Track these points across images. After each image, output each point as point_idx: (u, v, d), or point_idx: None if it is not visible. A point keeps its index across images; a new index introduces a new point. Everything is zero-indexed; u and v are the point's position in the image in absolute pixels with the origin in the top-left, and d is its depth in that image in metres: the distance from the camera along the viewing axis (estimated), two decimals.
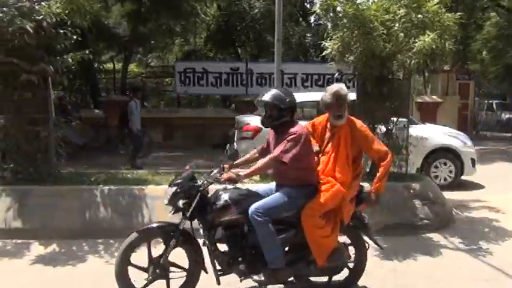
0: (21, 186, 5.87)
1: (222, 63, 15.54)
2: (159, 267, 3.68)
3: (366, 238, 4.07)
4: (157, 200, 5.69)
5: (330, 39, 6.19)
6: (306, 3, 20.69)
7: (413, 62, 5.83)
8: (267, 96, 3.71)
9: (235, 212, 3.66)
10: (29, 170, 6.00)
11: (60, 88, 7.80)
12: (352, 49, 5.97)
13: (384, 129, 6.37)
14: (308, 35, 19.45)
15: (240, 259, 3.72)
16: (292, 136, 3.62)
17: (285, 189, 3.74)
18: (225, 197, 3.70)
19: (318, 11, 6.26)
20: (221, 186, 3.85)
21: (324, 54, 6.39)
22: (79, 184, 6.07)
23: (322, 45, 6.42)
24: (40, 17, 5.66)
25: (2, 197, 5.70)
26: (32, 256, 5.04)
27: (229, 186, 3.76)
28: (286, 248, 3.82)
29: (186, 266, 3.77)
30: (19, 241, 5.42)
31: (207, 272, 3.73)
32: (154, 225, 3.90)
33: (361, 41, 5.82)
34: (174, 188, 3.71)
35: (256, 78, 14.44)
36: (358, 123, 3.95)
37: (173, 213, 3.73)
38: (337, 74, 9.88)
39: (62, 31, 5.94)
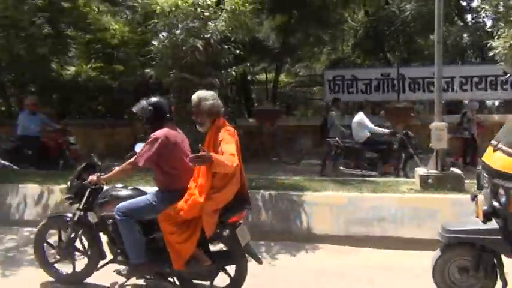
0: None
1: (371, 70, 15.16)
2: (61, 252, 4.30)
3: None
4: (315, 206, 5.82)
5: (498, 38, 5.67)
6: (461, 1, 19.20)
7: None
8: (134, 108, 4.12)
9: (114, 208, 3.95)
10: None
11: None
12: None
13: None
14: (465, 35, 17.99)
15: (119, 251, 4.09)
16: (149, 140, 3.89)
17: (154, 193, 4.00)
18: (108, 193, 4.16)
19: (486, 6, 5.78)
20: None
21: (491, 54, 5.89)
22: None
23: (488, 44, 5.92)
24: (208, 35, 6.23)
25: None
26: None
27: (119, 185, 4.30)
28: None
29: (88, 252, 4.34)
30: None
31: (102, 259, 4.28)
32: (54, 215, 4.57)
33: None
34: (68, 184, 4.39)
35: (409, 84, 13.79)
36: (224, 128, 3.76)
37: (70, 205, 4.39)
38: (507, 76, 8.97)
39: (226, 47, 6.45)
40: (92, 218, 4.36)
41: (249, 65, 6.10)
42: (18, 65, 11.86)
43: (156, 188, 4.10)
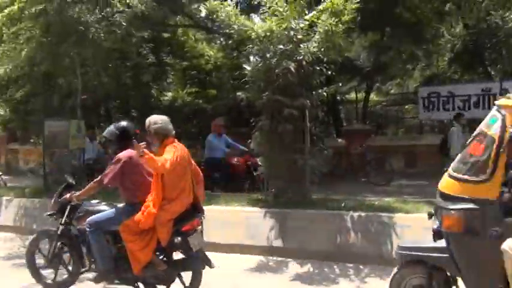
0: (280, 209, 6.57)
1: (470, 85, 14.22)
2: (49, 261, 4.84)
3: None
4: (407, 228, 5.63)
5: None
6: None
7: None
8: (104, 132, 4.71)
9: None
10: (287, 194, 6.70)
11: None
12: None
13: None
14: None
15: (93, 259, 4.54)
16: (112, 161, 4.43)
17: (119, 207, 4.53)
18: (84, 209, 4.71)
19: None
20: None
21: None
22: (330, 209, 6.44)
23: None
24: (300, 57, 6.35)
25: (267, 218, 6.49)
26: (290, 274, 5.55)
27: (95, 201, 4.86)
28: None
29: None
30: (279, 259, 6.05)
31: (84, 267, 4.74)
32: (42, 230, 5.16)
33: None
34: (52, 201, 4.92)
35: None
36: (171, 145, 4.19)
37: (55, 219, 4.86)
38: None
39: (318, 68, 6.52)
40: (74, 231, 4.83)
41: (341, 84, 6.13)
42: (124, 92, 12.93)
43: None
